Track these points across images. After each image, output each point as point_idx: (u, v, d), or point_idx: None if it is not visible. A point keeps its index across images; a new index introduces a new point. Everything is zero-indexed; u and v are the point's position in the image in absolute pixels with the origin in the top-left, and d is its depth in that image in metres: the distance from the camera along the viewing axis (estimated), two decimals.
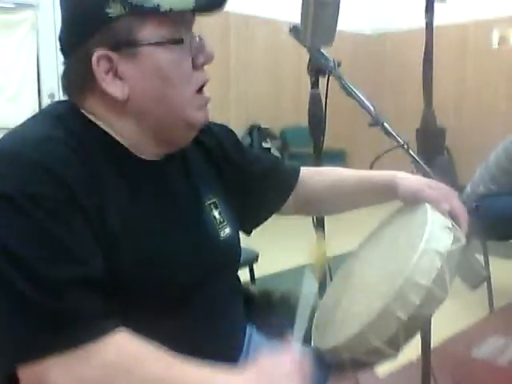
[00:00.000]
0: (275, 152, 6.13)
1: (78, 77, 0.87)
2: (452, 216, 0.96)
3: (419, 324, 0.86)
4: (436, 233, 0.88)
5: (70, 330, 0.73)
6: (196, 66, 0.89)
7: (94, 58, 0.83)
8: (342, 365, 0.92)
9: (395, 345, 0.85)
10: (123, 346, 0.76)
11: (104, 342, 0.75)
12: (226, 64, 6.12)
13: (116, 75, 0.84)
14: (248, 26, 6.32)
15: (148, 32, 0.84)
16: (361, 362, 0.89)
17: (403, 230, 0.99)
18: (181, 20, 0.86)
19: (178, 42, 0.85)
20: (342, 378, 0.99)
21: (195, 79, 0.90)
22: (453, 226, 0.92)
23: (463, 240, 0.91)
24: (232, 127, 1.17)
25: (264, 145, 6.20)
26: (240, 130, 6.13)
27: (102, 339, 0.74)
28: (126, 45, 0.83)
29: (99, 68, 0.83)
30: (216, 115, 1.11)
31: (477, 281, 1.02)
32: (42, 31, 4.76)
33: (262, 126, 6.32)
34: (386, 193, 1.07)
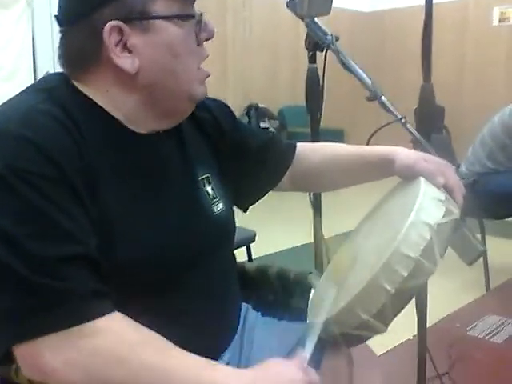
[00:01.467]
0: (273, 131, 6.11)
1: (83, 48, 0.84)
2: (447, 189, 0.95)
3: (408, 297, 0.85)
4: (427, 205, 0.87)
5: (62, 310, 0.72)
6: (199, 42, 0.90)
7: (106, 29, 0.81)
8: (334, 341, 0.92)
9: (383, 318, 0.85)
10: (117, 332, 0.75)
11: (98, 325, 0.73)
12: (223, 43, 6.06)
13: (125, 48, 0.83)
14: (245, 4, 6.25)
15: (161, 6, 0.83)
16: (351, 336, 0.89)
17: (397, 203, 0.99)
18: None
19: (189, 17, 0.86)
20: (336, 354, 0.99)
21: (198, 54, 0.91)
22: (446, 198, 0.91)
23: (456, 213, 0.90)
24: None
25: (262, 124, 6.17)
26: (238, 110, 6.10)
27: (95, 321, 0.73)
28: (138, 17, 0.82)
29: (110, 40, 0.82)
30: (213, 95, 1.09)
31: (473, 256, 1.02)
32: (37, 9, 4.70)
33: (260, 106, 6.29)
34: (383, 167, 1.06)
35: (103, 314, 0.74)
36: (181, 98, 0.90)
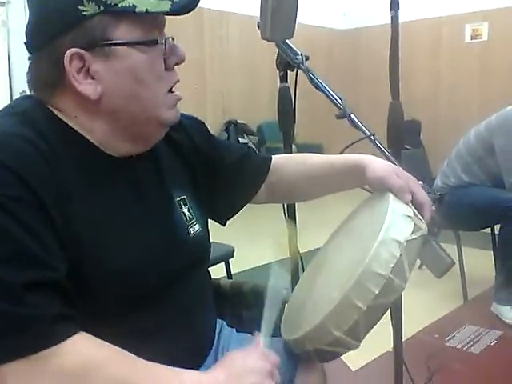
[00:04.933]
0: (252, 147, 6.13)
1: (47, 74, 0.85)
2: (416, 205, 0.97)
3: (379, 313, 0.87)
4: (396, 222, 0.88)
5: (25, 336, 0.71)
6: (168, 67, 0.89)
7: (66, 57, 0.81)
8: (307, 355, 0.92)
9: (356, 335, 0.86)
10: (82, 352, 0.74)
11: (63, 348, 0.73)
12: (201, 60, 6.11)
13: (88, 74, 0.83)
14: (222, 23, 6.31)
15: (122, 32, 0.83)
16: (324, 351, 0.90)
17: (367, 219, 1.00)
18: (155, 21, 0.86)
19: (153, 43, 0.86)
20: (309, 369, 0.99)
21: (167, 79, 0.90)
22: (415, 214, 0.93)
23: (424, 228, 0.92)
24: (208, 123, 1.17)
25: (241, 140, 6.21)
26: (216, 126, 6.13)
27: (59, 345, 0.72)
28: (99, 44, 0.82)
29: (71, 67, 0.82)
30: (192, 111, 1.11)
31: (442, 269, 1.03)
32: (12, 29, 4.69)
33: (239, 122, 6.33)
34: (353, 176, 1.07)
35: (68, 337, 0.74)
36: (149, 123, 0.90)
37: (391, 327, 1.51)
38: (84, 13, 0.81)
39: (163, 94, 0.89)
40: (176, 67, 0.92)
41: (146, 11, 0.82)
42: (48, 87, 0.86)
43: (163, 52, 0.88)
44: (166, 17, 0.89)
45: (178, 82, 0.92)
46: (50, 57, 0.83)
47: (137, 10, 0.81)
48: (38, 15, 0.85)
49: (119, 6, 0.81)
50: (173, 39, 0.91)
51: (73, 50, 0.81)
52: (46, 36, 0.83)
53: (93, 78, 0.84)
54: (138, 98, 0.86)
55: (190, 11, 0.87)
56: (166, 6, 0.83)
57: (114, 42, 0.83)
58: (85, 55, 0.82)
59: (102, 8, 0.81)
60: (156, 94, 0.88)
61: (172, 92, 0.92)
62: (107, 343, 0.77)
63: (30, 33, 0.87)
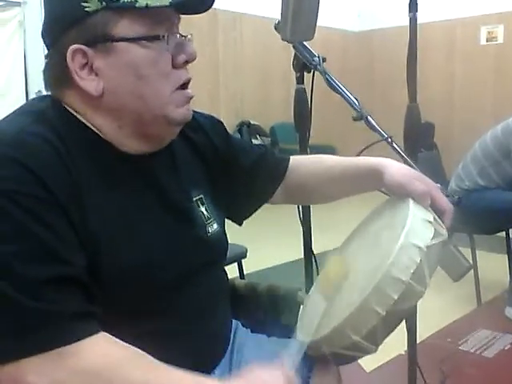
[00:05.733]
0: None
1: (55, 72, 0.87)
2: (435, 210, 0.95)
3: (398, 319, 0.86)
4: (416, 227, 0.87)
5: (45, 332, 0.72)
6: (176, 64, 0.88)
7: (68, 53, 0.82)
8: (323, 358, 0.92)
9: (374, 339, 0.85)
10: (103, 352, 0.74)
11: (82, 346, 0.73)
12: (215, 61, 6.12)
13: (92, 70, 0.84)
14: (236, 24, 6.32)
15: (124, 28, 0.83)
16: (341, 355, 0.89)
17: (386, 224, 0.99)
18: (159, 17, 0.85)
19: (154, 38, 0.84)
20: (325, 371, 0.99)
21: (175, 77, 0.88)
22: (435, 219, 0.91)
23: (445, 234, 0.90)
24: None
25: (254, 141, 6.20)
26: (230, 127, 6.12)
27: (79, 342, 0.73)
28: (101, 40, 0.83)
29: (74, 63, 0.83)
30: (206, 112, 1.10)
31: (460, 272, 1.03)
32: (29, 29, 4.74)
33: (252, 123, 6.33)
34: (371, 179, 1.05)
35: (88, 335, 0.74)
36: (155, 121, 0.89)
37: (405, 330, 1.51)
38: (87, 9, 0.81)
39: (170, 92, 0.88)
40: (188, 67, 0.90)
41: (146, 6, 0.82)
42: (57, 84, 0.88)
43: (167, 48, 0.86)
44: (183, 17, 0.89)
45: (189, 80, 0.91)
46: (57, 54, 0.85)
47: (137, 4, 0.81)
48: (47, 15, 0.87)
49: (120, 1, 0.82)
50: (185, 37, 0.90)
51: (75, 46, 0.82)
52: (55, 33, 0.85)
53: (96, 75, 0.84)
54: (140, 96, 0.86)
55: (195, 6, 0.87)
56: (166, 0, 0.83)
57: (115, 37, 0.83)
58: (88, 51, 0.83)
59: (104, 4, 0.81)
60: (160, 91, 0.87)
61: (182, 89, 0.90)
62: (128, 345, 0.77)
63: (43, 32, 0.88)
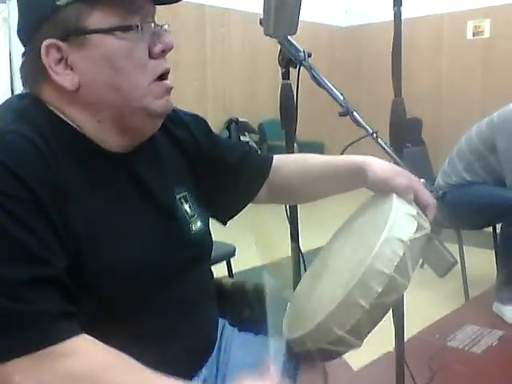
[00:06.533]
0: (253, 145, 6.13)
1: (31, 68, 0.86)
2: (419, 204, 0.96)
3: (382, 312, 0.86)
4: (399, 221, 0.88)
5: (28, 333, 0.71)
6: (153, 54, 0.86)
7: (42, 48, 0.81)
8: (309, 355, 0.92)
9: (358, 333, 0.86)
10: (88, 354, 0.74)
11: (66, 347, 0.72)
12: (202, 57, 6.09)
13: (67, 65, 0.83)
14: (224, 19, 6.29)
15: (96, 19, 0.81)
16: (326, 351, 0.89)
17: (370, 219, 1.00)
18: (133, 6, 0.84)
19: (128, 29, 0.83)
20: (311, 369, 0.99)
21: (152, 68, 0.87)
22: (418, 213, 0.92)
23: (428, 227, 0.91)
24: (209, 121, 1.15)
25: (242, 138, 6.20)
26: (218, 124, 6.12)
27: (63, 343, 0.72)
28: (74, 33, 0.81)
29: (48, 58, 0.82)
30: (193, 109, 1.10)
31: (445, 268, 1.02)
32: (14, 26, 4.66)
33: (240, 120, 6.32)
34: (354, 178, 1.06)
35: (71, 336, 0.73)
36: (134, 114, 0.87)
37: (393, 327, 1.50)
38: (58, 2, 0.80)
39: (147, 83, 0.86)
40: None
41: None
42: (35, 81, 0.86)
43: (142, 38, 0.85)
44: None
45: (168, 70, 0.89)
46: (32, 50, 0.83)
47: None
48: (20, 10, 0.86)
49: None
50: (161, 26, 0.88)
51: (48, 41, 0.81)
52: (28, 30, 0.84)
53: (71, 69, 0.83)
54: (117, 88, 0.84)
55: None
56: None
57: (88, 29, 0.81)
58: (62, 46, 0.82)
59: None
60: (138, 83, 0.85)
61: (161, 80, 0.88)
62: (109, 347, 0.76)
63: (18, 29, 0.87)
